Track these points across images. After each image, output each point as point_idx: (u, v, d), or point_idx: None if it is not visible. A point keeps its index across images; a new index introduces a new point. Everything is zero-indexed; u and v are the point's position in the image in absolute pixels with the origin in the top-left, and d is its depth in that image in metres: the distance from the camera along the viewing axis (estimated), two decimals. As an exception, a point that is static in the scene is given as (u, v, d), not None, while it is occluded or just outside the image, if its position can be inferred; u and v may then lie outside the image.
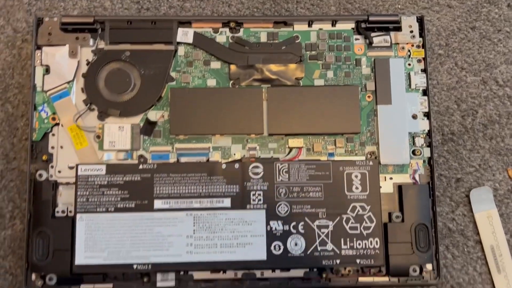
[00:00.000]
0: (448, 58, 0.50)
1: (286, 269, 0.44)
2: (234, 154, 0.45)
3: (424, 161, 0.46)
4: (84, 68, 0.46)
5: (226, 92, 0.45)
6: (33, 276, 0.43)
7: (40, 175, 0.44)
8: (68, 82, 0.45)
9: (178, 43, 0.46)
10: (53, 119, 0.45)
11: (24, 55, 0.48)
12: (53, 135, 0.45)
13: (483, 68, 0.49)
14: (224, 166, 0.44)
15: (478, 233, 0.47)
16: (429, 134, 0.46)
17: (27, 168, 0.44)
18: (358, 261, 0.43)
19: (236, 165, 0.44)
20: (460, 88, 0.49)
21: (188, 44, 0.46)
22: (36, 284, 0.42)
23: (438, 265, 0.44)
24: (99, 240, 0.43)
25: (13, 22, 0.49)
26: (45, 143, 0.45)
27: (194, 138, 0.45)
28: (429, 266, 0.44)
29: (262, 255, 0.43)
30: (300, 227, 0.43)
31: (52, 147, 0.45)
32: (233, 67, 0.46)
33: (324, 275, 0.44)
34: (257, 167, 0.44)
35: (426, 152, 0.46)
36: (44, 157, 0.44)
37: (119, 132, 0.45)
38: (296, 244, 0.43)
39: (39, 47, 0.45)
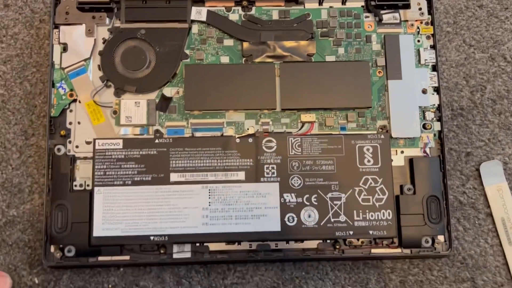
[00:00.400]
0: (456, 36, 0.50)
1: (300, 240, 0.44)
2: (248, 129, 0.46)
3: (434, 135, 0.47)
4: (100, 46, 0.47)
5: (239, 68, 0.46)
6: (52, 249, 0.43)
7: (59, 150, 0.45)
8: (85, 60, 0.46)
9: (192, 21, 0.47)
10: (71, 95, 0.46)
11: (41, 35, 0.49)
12: (71, 111, 0.46)
13: (490, 45, 0.50)
14: (238, 140, 0.45)
15: (488, 206, 0.47)
16: (439, 108, 0.47)
17: (46, 143, 0.45)
18: (370, 232, 0.44)
19: (250, 139, 0.45)
20: (468, 64, 0.50)
21: (202, 22, 0.48)
22: (55, 256, 0.43)
23: (450, 236, 0.45)
24: (116, 212, 0.43)
25: (31, 3, 0.50)
26: (63, 119, 0.46)
27: (208, 114, 0.46)
28: (441, 238, 0.45)
29: (276, 227, 0.44)
30: (313, 199, 0.44)
31: (70, 123, 0.46)
32: (245, 44, 0.47)
33: (337, 247, 0.44)
34: (270, 141, 0.45)
35: (436, 126, 0.47)
36: (62, 133, 0.45)
37: (135, 108, 0.46)
38: (309, 216, 0.44)
39: (56, 26, 0.47)
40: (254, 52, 0.47)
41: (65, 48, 0.46)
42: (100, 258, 0.44)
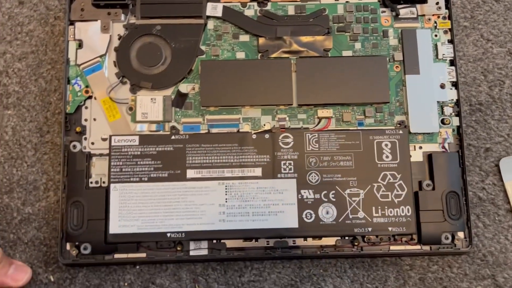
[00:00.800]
0: (474, 30, 0.50)
1: (317, 237, 0.44)
2: (264, 125, 0.46)
3: (453, 130, 0.46)
4: (116, 43, 0.47)
5: (255, 64, 0.46)
6: (68, 246, 0.43)
7: (74, 147, 0.45)
8: (100, 56, 0.46)
9: (208, 17, 0.47)
10: (86, 92, 0.46)
11: (56, 32, 0.49)
12: (86, 107, 0.45)
13: (508, 39, 0.50)
14: (254, 136, 0.45)
15: (509, 202, 0.46)
16: (457, 103, 0.46)
17: (61, 139, 0.44)
18: (390, 229, 0.43)
19: (267, 135, 0.45)
20: (486, 59, 0.49)
21: (217, 18, 0.47)
22: (71, 253, 0.43)
23: (470, 233, 0.44)
24: (132, 209, 0.43)
25: (45, 0, 0.50)
26: (79, 116, 0.45)
27: (224, 110, 0.46)
28: (461, 234, 0.44)
29: (294, 223, 0.43)
30: (331, 196, 0.44)
31: (86, 120, 0.45)
32: (261, 39, 0.47)
33: (355, 244, 0.44)
34: (287, 137, 0.45)
35: (455, 121, 0.46)
36: (78, 129, 0.45)
37: (151, 104, 0.45)
38: (327, 212, 0.43)
39: (72, 23, 0.46)
40: (270, 48, 0.47)
41: (80, 45, 0.46)
42: (116, 256, 0.43)
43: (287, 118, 0.46)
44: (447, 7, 0.48)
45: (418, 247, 0.44)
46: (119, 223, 0.43)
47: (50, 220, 0.45)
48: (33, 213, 0.45)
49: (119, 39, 0.47)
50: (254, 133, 0.45)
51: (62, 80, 0.46)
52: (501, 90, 0.49)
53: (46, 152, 0.47)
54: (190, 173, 0.44)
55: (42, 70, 0.48)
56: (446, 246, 0.44)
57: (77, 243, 0.43)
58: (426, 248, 0.44)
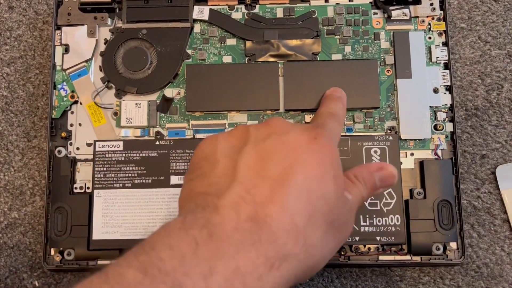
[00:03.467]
0: (471, 32, 0.48)
1: (303, 246, 0.43)
2: (251, 131, 0.45)
3: (446, 136, 0.44)
4: (102, 47, 0.46)
5: (242, 68, 0.45)
6: (52, 251, 0.43)
7: (59, 152, 0.44)
8: (86, 61, 0.46)
9: (194, 20, 0.46)
10: (72, 97, 0.45)
11: (45, 37, 0.49)
12: (72, 112, 0.45)
13: (508, 41, 0.48)
14: (240, 142, 0.44)
15: (505, 211, 0.45)
16: (451, 108, 0.45)
17: (47, 145, 0.44)
18: (378, 238, 0.42)
19: (252, 141, 0.44)
20: (484, 62, 0.47)
21: (204, 21, 0.46)
22: (55, 259, 0.43)
23: (463, 243, 0.42)
24: (116, 215, 0.43)
25: (34, 5, 0.50)
26: (64, 121, 0.45)
27: (210, 115, 0.45)
28: (453, 245, 0.42)
29: (279, 231, 0.42)
30: (317, 204, 0.42)
31: (71, 125, 0.45)
32: (248, 43, 0.46)
33: (342, 253, 0.43)
34: (273, 143, 0.44)
35: (449, 127, 0.44)
36: (63, 134, 0.45)
37: (136, 109, 0.45)
38: (313, 221, 0.42)
39: (59, 27, 0.46)
40: (257, 51, 0.46)
41: (67, 49, 0.46)
42: (100, 262, 0.43)
43: (274, 124, 0.45)
44: (441, 8, 0.46)
45: (408, 257, 0.43)
46: (102, 229, 0.43)
47: (36, 225, 0.45)
48: (19, 218, 0.45)
49: (105, 43, 0.46)
50: (240, 139, 0.44)
51: (49, 85, 0.45)
52: (499, 94, 0.47)
53: (33, 157, 0.47)
54: (174, 179, 0.43)
55: (30, 75, 0.48)
56: (438, 256, 0.42)
57: (61, 249, 0.43)
58: (417, 258, 0.43)
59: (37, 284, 0.44)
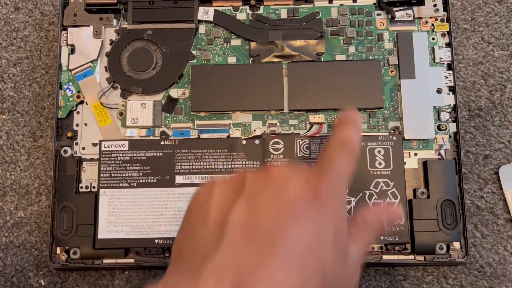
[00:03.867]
0: (474, 33, 0.48)
1: (307, 245, 0.43)
2: (255, 131, 0.45)
3: (450, 136, 0.44)
4: (107, 48, 0.47)
5: (247, 69, 0.45)
6: (58, 250, 0.43)
7: (65, 152, 0.45)
8: (92, 61, 0.46)
9: (199, 21, 0.47)
10: (78, 97, 0.46)
11: (51, 37, 0.49)
12: (78, 112, 0.46)
13: (511, 42, 0.48)
14: (244, 142, 0.44)
15: (508, 211, 0.45)
16: (454, 108, 0.45)
17: (53, 144, 0.45)
18: (382, 238, 0.42)
19: (257, 141, 0.44)
20: (487, 62, 0.48)
21: (209, 22, 0.47)
22: (61, 258, 0.43)
23: (466, 243, 0.42)
24: (121, 215, 0.43)
25: (40, 6, 0.50)
26: (70, 121, 0.46)
27: (214, 115, 0.46)
28: (456, 244, 0.43)
29: (283, 231, 0.42)
30: (321, 203, 0.43)
31: (77, 125, 0.45)
32: (253, 44, 0.46)
33: (347, 252, 0.43)
34: (277, 143, 0.44)
35: (452, 128, 0.45)
36: (69, 134, 0.45)
37: (141, 109, 0.45)
38: (317, 220, 0.42)
39: (65, 28, 0.47)
40: (262, 52, 0.46)
41: (72, 50, 0.46)
42: (105, 261, 0.43)
43: (278, 124, 0.45)
44: (445, 10, 0.46)
45: (411, 256, 0.43)
46: (108, 228, 0.43)
47: (42, 224, 0.46)
48: (25, 217, 0.46)
49: (110, 44, 0.47)
50: (244, 139, 0.44)
51: (55, 85, 0.46)
52: (502, 94, 0.47)
53: (39, 157, 0.47)
54: (179, 179, 0.44)
55: (36, 75, 0.49)
56: (441, 256, 0.42)
57: (66, 248, 0.43)
58: (420, 258, 0.43)
59: (43, 283, 0.45)
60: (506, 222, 0.45)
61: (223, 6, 0.47)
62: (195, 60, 0.46)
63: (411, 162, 0.44)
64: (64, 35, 0.47)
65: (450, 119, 0.45)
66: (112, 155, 0.44)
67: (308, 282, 0.23)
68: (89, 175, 0.45)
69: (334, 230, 0.25)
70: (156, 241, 0.43)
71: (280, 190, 0.25)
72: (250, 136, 0.45)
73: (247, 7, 0.47)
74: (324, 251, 0.24)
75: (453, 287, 0.44)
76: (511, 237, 0.44)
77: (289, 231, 0.23)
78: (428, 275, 0.44)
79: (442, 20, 0.46)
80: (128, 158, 0.44)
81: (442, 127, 0.44)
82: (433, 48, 0.46)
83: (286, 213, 0.24)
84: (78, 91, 0.46)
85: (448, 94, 0.45)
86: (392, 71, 0.46)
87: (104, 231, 0.43)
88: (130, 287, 0.44)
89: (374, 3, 0.47)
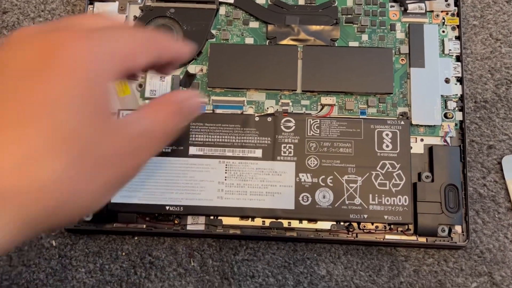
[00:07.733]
0: (483, 29, 0.50)
1: (313, 220, 0.44)
2: (267, 109, 0.47)
3: (456, 124, 0.46)
4: (131, 23, 0.49)
5: (263, 49, 0.47)
6: (71, 212, 0.45)
7: (84, 118, 0.46)
8: (116, 35, 0.48)
9: (220, 2, 0.49)
10: (100, 67, 0.48)
11: (77, 11, 0.52)
12: (99, 82, 0.47)
13: (518, 40, 0.50)
14: (257, 118, 0.46)
15: (509, 200, 0.46)
16: (461, 98, 0.46)
17: (73, 111, 0.46)
18: (386, 217, 0.43)
19: (269, 118, 0.46)
20: (494, 58, 0.49)
21: (229, 4, 0.49)
22: (73, 220, 0.44)
23: (467, 227, 0.44)
24: (135, 180, 0.44)
25: (69, -18, 0.52)
26: (91, 90, 0.47)
27: (229, 92, 0.47)
28: (458, 228, 0.44)
29: (290, 205, 0.44)
30: (328, 181, 0.44)
31: (97, 94, 0.47)
32: (270, 26, 0.48)
33: (350, 230, 0.44)
34: (289, 121, 0.46)
35: (458, 116, 0.46)
36: (89, 102, 0.47)
37: (160, 82, 0.47)
38: (324, 197, 0.44)
39: (91, 2, 0.49)
40: (278, 35, 0.48)
41: (98, 23, 0.48)
42: (116, 225, 0.45)
43: (291, 103, 0.47)
44: (456, 5, 0.48)
45: (414, 237, 0.44)
46: (121, 193, 0.44)
47: (57, 188, 0.47)
48: (41, 179, 0.47)
49: (134, 19, 0.49)
50: (257, 116, 0.46)
51: (78, 57, 0.48)
52: (508, 89, 0.49)
53: (58, 123, 0.49)
54: (193, 150, 0.45)
55: (61, 46, 0.51)
56: (443, 238, 0.44)
57: (79, 211, 0.44)
58: (422, 239, 0.44)
59: (54, 244, 0.46)
60: (507, 210, 0.46)
61: (244, -10, 0.49)
62: (214, 39, 0.48)
63: (418, 147, 0.46)
64: (91, 8, 0.49)
65: (456, 108, 0.46)
66: (130, 123, 0.46)
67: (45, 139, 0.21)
68: (105, 142, 0.46)
69: (76, 91, 0.22)
70: (167, 208, 0.44)
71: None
72: (263, 113, 0.47)
73: (267, -8, 0.49)
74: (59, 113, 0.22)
75: (453, 270, 0.45)
76: (512, 225, 0.46)
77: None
78: (429, 258, 0.45)
79: (452, 15, 0.48)
80: (145, 127, 0.45)
81: (449, 115, 0.46)
82: (442, 40, 0.48)
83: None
84: (101, 62, 0.48)
85: (456, 84, 0.47)
86: (402, 59, 0.48)
87: (118, 195, 0.44)
88: (138, 252, 0.45)
89: (388, -5, 0.49)
